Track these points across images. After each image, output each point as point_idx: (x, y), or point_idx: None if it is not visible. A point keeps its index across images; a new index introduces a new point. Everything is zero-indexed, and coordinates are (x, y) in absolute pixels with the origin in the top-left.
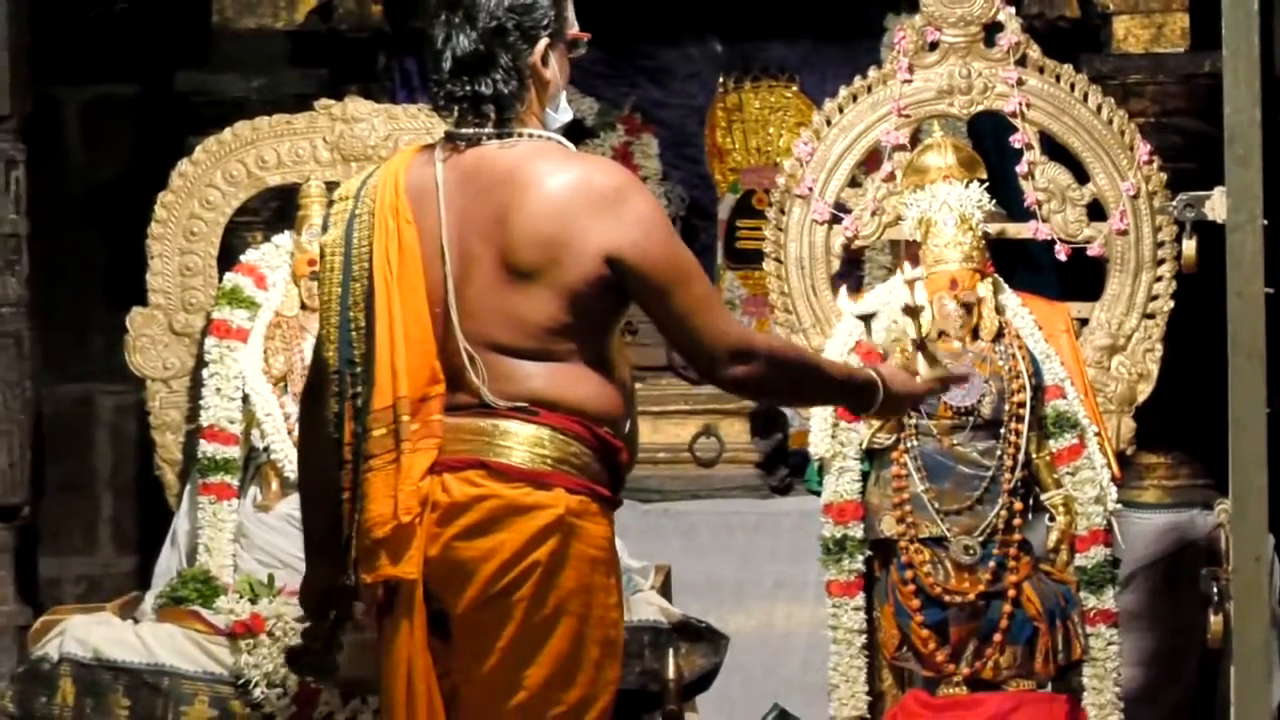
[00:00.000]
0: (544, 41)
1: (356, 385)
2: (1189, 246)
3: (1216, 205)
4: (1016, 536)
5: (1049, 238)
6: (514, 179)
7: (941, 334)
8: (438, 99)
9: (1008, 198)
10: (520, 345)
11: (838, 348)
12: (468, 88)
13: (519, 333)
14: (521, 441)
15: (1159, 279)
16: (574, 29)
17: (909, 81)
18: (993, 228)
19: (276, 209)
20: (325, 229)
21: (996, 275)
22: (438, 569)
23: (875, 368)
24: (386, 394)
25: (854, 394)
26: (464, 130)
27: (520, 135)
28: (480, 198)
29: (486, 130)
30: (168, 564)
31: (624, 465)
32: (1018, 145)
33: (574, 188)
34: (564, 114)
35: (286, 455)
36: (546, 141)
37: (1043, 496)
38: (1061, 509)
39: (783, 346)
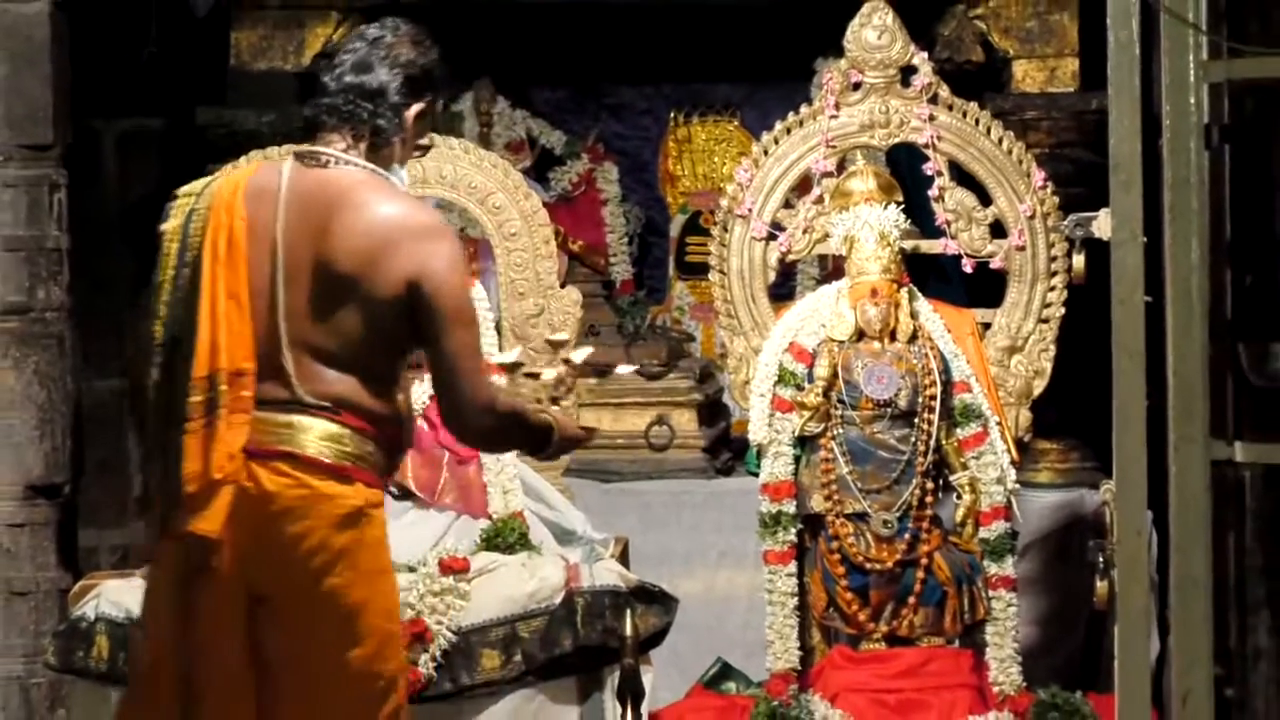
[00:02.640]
0: (422, 104)
1: (179, 357)
2: (1078, 261)
3: (1102, 225)
4: (928, 512)
5: (957, 252)
6: (346, 198)
7: (863, 336)
8: (318, 109)
9: (921, 218)
10: (330, 350)
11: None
12: (351, 108)
13: (329, 338)
14: (324, 437)
15: (1052, 289)
16: (430, 129)
17: (835, 117)
18: (908, 244)
19: None
20: (165, 219)
21: (911, 285)
22: (252, 552)
23: (551, 414)
24: (204, 364)
25: (542, 442)
26: (315, 149)
27: (365, 168)
28: (314, 211)
29: (336, 154)
30: None
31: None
32: (930, 172)
33: (395, 216)
34: (403, 177)
35: None
36: (385, 180)
37: (951, 478)
38: (967, 488)
39: (513, 406)
